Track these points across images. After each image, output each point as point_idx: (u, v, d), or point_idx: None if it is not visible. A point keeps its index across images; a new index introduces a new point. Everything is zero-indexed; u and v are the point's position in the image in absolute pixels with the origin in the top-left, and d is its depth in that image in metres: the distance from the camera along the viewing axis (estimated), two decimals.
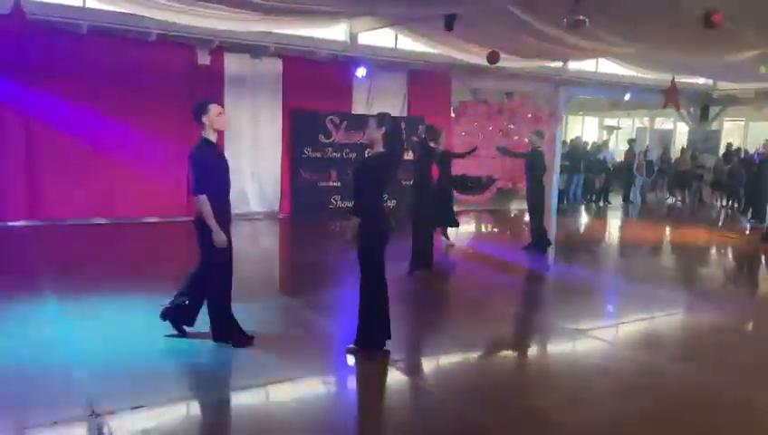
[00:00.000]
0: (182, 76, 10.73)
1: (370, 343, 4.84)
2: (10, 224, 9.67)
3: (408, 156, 9.30)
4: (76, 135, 9.78)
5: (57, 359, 4.57)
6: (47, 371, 4.33)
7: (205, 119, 4.80)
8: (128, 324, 5.42)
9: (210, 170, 4.74)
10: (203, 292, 4.95)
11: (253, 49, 11.19)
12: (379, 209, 4.77)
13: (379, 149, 4.75)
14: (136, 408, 3.81)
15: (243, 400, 4.23)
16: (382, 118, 4.78)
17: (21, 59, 9.32)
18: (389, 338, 4.90)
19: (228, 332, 4.93)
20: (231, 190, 4.96)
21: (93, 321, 5.43)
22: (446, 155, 9.54)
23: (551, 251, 9.57)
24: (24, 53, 9.25)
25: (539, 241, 9.45)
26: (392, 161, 4.77)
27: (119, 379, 4.26)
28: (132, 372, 4.37)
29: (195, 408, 4.02)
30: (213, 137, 4.88)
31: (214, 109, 4.82)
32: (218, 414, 4.09)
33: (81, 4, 9.52)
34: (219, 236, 4.69)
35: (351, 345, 4.87)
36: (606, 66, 14.85)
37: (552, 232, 11.44)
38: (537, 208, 9.52)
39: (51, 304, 5.89)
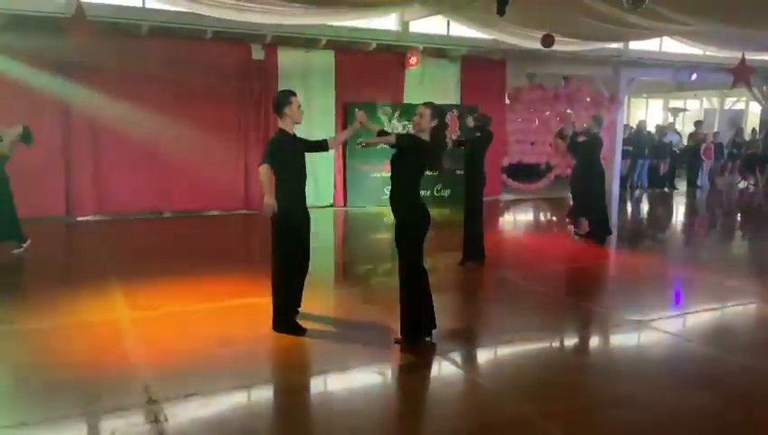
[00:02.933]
0: (238, 72, 11.00)
1: (414, 333, 4.80)
2: (80, 219, 10.16)
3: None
4: (138, 132, 10.09)
5: (119, 346, 4.76)
6: (108, 357, 4.52)
7: (287, 110, 4.90)
8: (188, 313, 5.59)
9: (285, 158, 4.85)
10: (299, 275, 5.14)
11: (305, 42, 11.29)
12: (415, 195, 4.74)
13: (426, 138, 4.72)
14: (191, 395, 3.92)
15: (295, 390, 4.27)
16: (438, 111, 4.77)
17: (84, 60, 9.66)
18: (435, 328, 4.86)
19: (286, 323, 4.99)
20: None
21: (155, 309, 5.63)
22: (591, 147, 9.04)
23: (611, 240, 9.25)
24: (87, 54, 9.59)
25: (598, 229, 9.15)
26: (433, 154, 4.75)
27: (176, 366, 4.39)
28: (189, 360, 4.50)
29: (249, 397, 4.09)
30: (290, 128, 4.96)
31: (296, 101, 4.93)
32: (272, 403, 4.16)
33: (141, 5, 9.85)
34: (269, 201, 4.75)
35: (398, 336, 4.85)
36: (670, 45, 14.18)
37: (614, 219, 11.08)
38: (596, 195, 9.20)
39: (117, 291, 6.15)
